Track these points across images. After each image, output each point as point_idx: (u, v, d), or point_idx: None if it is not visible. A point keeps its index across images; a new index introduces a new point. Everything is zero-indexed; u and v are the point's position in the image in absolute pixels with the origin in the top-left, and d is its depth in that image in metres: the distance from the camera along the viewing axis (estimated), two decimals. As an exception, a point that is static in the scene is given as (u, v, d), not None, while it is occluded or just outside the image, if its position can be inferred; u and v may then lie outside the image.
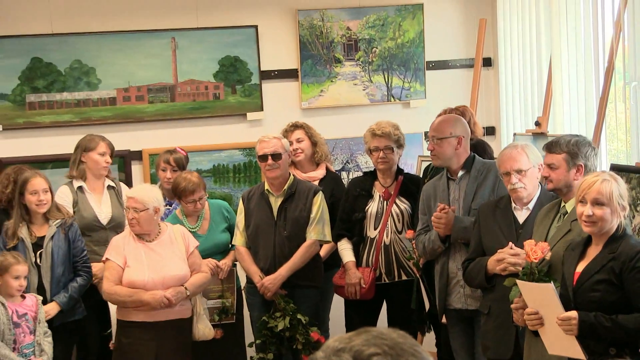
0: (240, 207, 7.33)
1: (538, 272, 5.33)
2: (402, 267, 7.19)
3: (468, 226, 6.33)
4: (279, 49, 8.83)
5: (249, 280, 7.27)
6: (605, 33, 7.29)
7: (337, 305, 7.63)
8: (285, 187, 7.19)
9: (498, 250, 5.82)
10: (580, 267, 5.07)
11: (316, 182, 7.54)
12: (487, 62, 8.96)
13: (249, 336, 7.41)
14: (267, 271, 7.13)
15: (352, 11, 8.92)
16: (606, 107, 7.01)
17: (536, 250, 5.27)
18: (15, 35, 8.30)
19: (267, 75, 8.81)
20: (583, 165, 5.59)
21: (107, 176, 7.66)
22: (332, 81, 8.93)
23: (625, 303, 4.90)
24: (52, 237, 6.97)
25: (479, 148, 6.89)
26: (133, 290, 6.69)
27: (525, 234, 5.76)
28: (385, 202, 7.26)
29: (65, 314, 6.99)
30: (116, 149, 7.90)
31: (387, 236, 7.22)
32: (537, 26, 8.14)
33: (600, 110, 7.01)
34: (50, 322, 6.87)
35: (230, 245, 7.42)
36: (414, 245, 6.91)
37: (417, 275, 7.07)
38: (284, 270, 7.09)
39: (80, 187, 7.51)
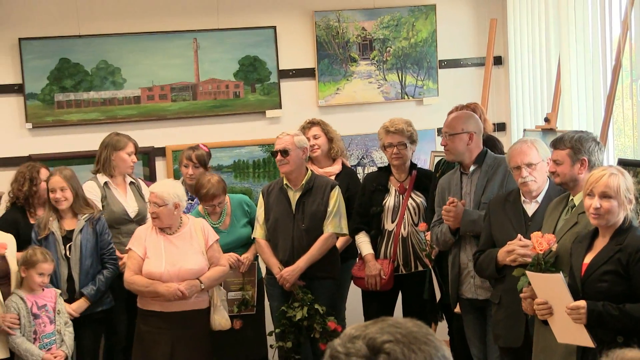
0: (260, 201, 7.34)
1: (545, 263, 5.33)
2: (418, 259, 7.21)
3: (476, 219, 6.32)
4: (296, 49, 8.84)
5: (269, 272, 7.29)
6: (613, 32, 7.29)
7: (354, 295, 7.63)
8: (303, 181, 7.19)
9: (508, 242, 5.81)
10: (587, 259, 5.06)
11: (332, 177, 7.54)
12: (498, 61, 8.94)
13: (269, 325, 7.41)
14: (286, 263, 7.14)
15: (367, 12, 8.91)
16: (613, 104, 6.99)
17: (542, 241, 5.28)
18: (44, 37, 8.32)
19: (285, 74, 8.81)
20: (587, 160, 5.58)
21: (131, 174, 7.69)
22: (347, 80, 8.92)
23: (632, 293, 4.90)
24: (81, 230, 7.00)
25: (489, 144, 6.88)
26: (150, 281, 6.71)
27: (534, 226, 5.76)
28: (401, 196, 7.27)
29: (93, 304, 7.01)
30: (140, 145, 7.94)
31: (404, 229, 7.24)
32: (546, 26, 8.13)
33: (607, 107, 7.00)
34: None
35: (252, 238, 7.42)
36: (426, 237, 6.92)
37: (430, 266, 7.08)
38: (302, 262, 7.09)
39: (106, 183, 7.54)
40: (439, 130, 7.83)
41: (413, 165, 7.39)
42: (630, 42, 7.02)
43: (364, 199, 7.35)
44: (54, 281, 6.87)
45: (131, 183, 7.66)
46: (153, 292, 6.69)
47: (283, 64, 8.79)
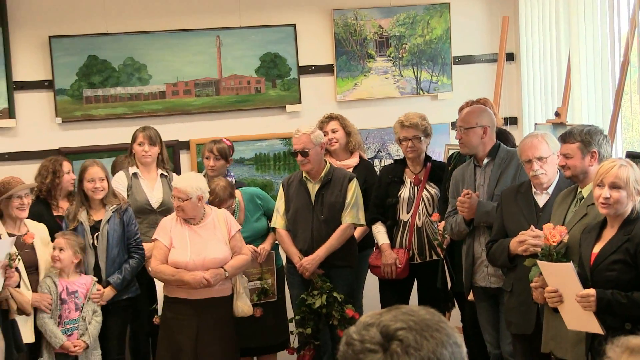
0: (281, 192, 7.35)
1: (556, 254, 5.32)
2: (432, 248, 7.21)
3: (490, 210, 6.32)
4: (315, 46, 8.83)
5: (289, 261, 7.29)
6: (621, 29, 7.26)
7: (371, 283, 7.63)
8: (322, 174, 7.20)
9: (520, 233, 5.80)
10: (596, 248, 5.05)
11: (350, 170, 7.54)
12: (510, 57, 8.90)
13: (290, 312, 7.42)
14: (305, 252, 7.14)
15: (384, 10, 8.90)
16: (622, 99, 6.97)
17: (554, 233, 5.26)
18: (73, 35, 8.34)
19: (304, 70, 8.80)
20: (597, 152, 5.57)
21: (164, 166, 7.67)
22: (365, 75, 8.91)
23: (639, 281, 4.88)
24: (108, 221, 7.02)
25: (501, 137, 6.86)
26: (176, 270, 6.73)
27: (545, 217, 5.75)
28: (416, 187, 7.27)
29: (120, 292, 7.04)
30: (165, 139, 7.94)
31: (419, 219, 7.24)
32: (557, 23, 8.10)
33: (616, 101, 6.98)
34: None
35: (270, 228, 7.43)
36: (438, 227, 6.91)
37: (442, 255, 7.07)
38: (321, 252, 7.10)
39: (135, 174, 7.57)
40: (453, 124, 7.83)
41: (428, 158, 7.39)
42: (638, 39, 6.98)
43: (380, 191, 7.36)
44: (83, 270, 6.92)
45: (162, 175, 7.66)
46: (179, 281, 6.71)
47: (303, 60, 8.79)
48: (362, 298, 7.68)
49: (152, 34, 8.49)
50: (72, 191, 7.42)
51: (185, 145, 8.56)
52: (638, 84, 7.17)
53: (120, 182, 7.48)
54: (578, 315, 5.05)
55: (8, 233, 6.64)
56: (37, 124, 8.37)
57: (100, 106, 8.46)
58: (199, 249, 6.78)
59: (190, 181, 6.81)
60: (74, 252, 6.75)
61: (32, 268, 6.75)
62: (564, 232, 5.29)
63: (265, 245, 7.37)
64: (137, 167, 7.58)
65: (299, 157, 7.14)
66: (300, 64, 8.77)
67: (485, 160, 6.57)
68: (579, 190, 5.64)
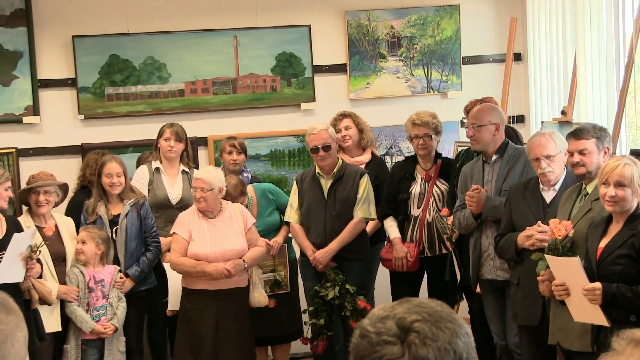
0: (294, 188, 7.36)
1: (562, 248, 5.32)
2: (442, 242, 7.20)
3: (498, 205, 6.33)
4: (329, 46, 8.82)
5: (303, 254, 7.29)
6: (626, 30, 7.24)
7: (382, 276, 7.63)
8: (335, 170, 7.19)
9: (527, 227, 5.81)
10: (602, 243, 5.05)
11: (363, 166, 7.54)
12: (518, 57, 8.88)
13: (303, 304, 7.43)
14: (318, 246, 7.14)
15: (396, 11, 8.88)
16: (626, 98, 6.96)
17: (560, 227, 5.26)
18: (96, 35, 8.35)
19: (319, 69, 8.80)
20: (609, 148, 5.59)
21: (187, 163, 7.68)
22: (377, 75, 8.90)
23: None
24: (126, 214, 7.04)
25: (509, 134, 6.86)
26: (197, 262, 6.74)
27: (551, 213, 5.75)
28: (426, 183, 7.27)
29: (138, 283, 7.06)
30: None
31: (429, 214, 7.23)
32: (563, 24, 8.08)
33: (620, 101, 6.97)
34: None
35: (282, 222, 7.44)
36: (447, 221, 6.91)
37: (451, 249, 7.07)
38: (333, 245, 7.10)
39: (157, 169, 7.58)
40: (462, 122, 7.81)
41: (438, 155, 7.38)
42: (642, 40, 6.99)
43: (392, 186, 7.36)
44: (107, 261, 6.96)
45: (184, 172, 7.67)
46: (200, 272, 6.72)
47: (317, 60, 8.78)
48: (374, 290, 7.67)
49: (171, 34, 8.49)
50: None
51: (203, 141, 8.57)
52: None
53: (142, 176, 7.49)
54: (584, 307, 5.04)
55: (36, 225, 6.66)
56: (61, 121, 8.39)
57: (121, 104, 8.47)
58: (218, 241, 6.79)
59: (213, 173, 6.86)
60: (96, 244, 6.78)
61: (60, 259, 6.78)
62: (569, 227, 5.29)
63: (278, 239, 7.38)
64: (161, 162, 7.59)
65: (321, 153, 7.13)
66: (314, 64, 8.76)
67: (494, 157, 6.58)
68: (583, 186, 5.64)
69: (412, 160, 7.42)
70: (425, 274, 7.41)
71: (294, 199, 7.31)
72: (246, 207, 7.27)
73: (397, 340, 1.88)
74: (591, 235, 5.15)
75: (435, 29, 8.96)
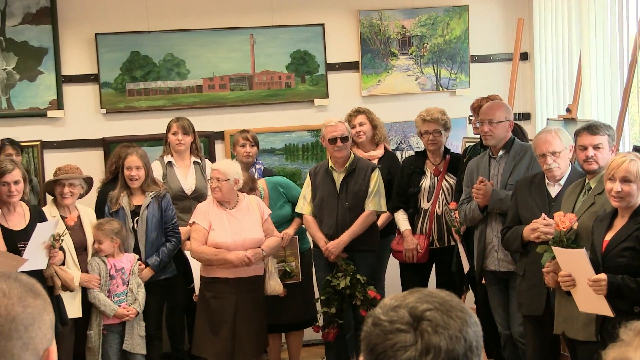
0: (308, 181, 7.35)
1: (566, 240, 5.31)
2: (451, 235, 7.19)
3: (504, 198, 6.33)
4: (342, 44, 8.81)
5: (315, 245, 7.29)
6: (630, 30, 7.22)
7: (392, 267, 7.63)
8: (347, 164, 7.19)
9: (532, 220, 5.80)
10: (608, 236, 5.04)
11: (376, 161, 7.53)
12: (524, 56, 8.86)
13: (316, 293, 7.42)
14: (330, 237, 7.14)
15: (407, 12, 8.86)
16: (629, 96, 6.94)
17: (564, 220, 5.26)
18: (117, 32, 8.36)
19: (332, 67, 8.78)
20: (615, 147, 5.59)
21: (198, 154, 7.71)
22: (388, 72, 8.88)
23: None
24: (148, 206, 7.06)
25: (515, 131, 6.85)
26: (218, 250, 6.75)
27: (556, 207, 5.74)
28: (436, 178, 7.26)
29: (158, 272, 7.08)
30: (201, 130, 8.07)
31: (438, 207, 7.23)
32: (569, 24, 8.06)
33: (624, 99, 6.95)
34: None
35: (293, 215, 7.44)
36: (455, 215, 6.90)
37: (458, 241, 7.06)
38: (345, 237, 7.09)
39: (169, 162, 7.59)
40: (469, 119, 7.79)
41: (447, 150, 7.37)
42: (645, 40, 6.96)
43: (403, 180, 7.35)
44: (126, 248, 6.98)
45: (196, 162, 7.69)
46: (222, 260, 6.73)
47: (330, 57, 8.77)
48: (384, 280, 7.67)
49: (190, 32, 8.49)
50: None
51: (220, 135, 8.57)
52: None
53: (155, 171, 7.49)
54: (590, 298, 5.03)
55: (61, 215, 6.68)
56: (84, 115, 8.40)
57: (141, 98, 8.48)
58: (238, 230, 6.81)
59: (229, 165, 6.91)
60: (111, 239, 6.81)
61: (82, 249, 6.81)
62: (573, 220, 5.29)
63: (289, 231, 7.38)
64: (172, 155, 7.61)
65: (339, 143, 7.12)
66: (327, 61, 8.75)
67: (500, 153, 6.58)
68: (587, 181, 5.64)
69: (422, 155, 7.41)
70: (434, 265, 7.40)
71: (307, 191, 7.31)
72: (259, 197, 7.30)
73: (410, 328, 1.87)
74: (597, 228, 5.14)
75: (445, 28, 8.94)
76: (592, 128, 5.61)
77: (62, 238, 6.22)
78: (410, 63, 8.92)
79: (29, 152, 8.15)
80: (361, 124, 7.71)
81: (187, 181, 7.60)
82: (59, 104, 8.31)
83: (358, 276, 7.02)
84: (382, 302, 1.97)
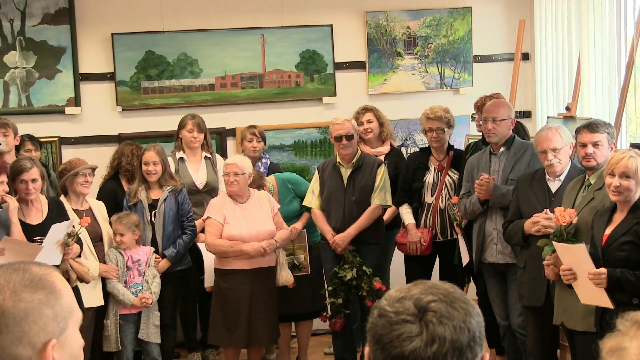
0: (316, 176, 7.34)
1: (566, 234, 5.30)
2: (453, 228, 7.18)
3: (505, 193, 6.34)
4: (350, 44, 8.80)
5: (323, 237, 7.28)
6: (627, 32, 7.21)
7: (397, 259, 7.62)
8: (354, 160, 7.18)
9: (533, 215, 5.79)
10: (608, 231, 5.03)
11: (382, 157, 7.53)
12: (525, 56, 8.84)
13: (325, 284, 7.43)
14: (338, 230, 7.13)
15: (412, 13, 8.85)
16: (627, 95, 6.93)
17: (565, 215, 5.25)
18: (133, 32, 8.37)
19: (339, 66, 8.78)
20: (614, 144, 5.58)
21: (208, 149, 7.72)
22: (394, 71, 8.87)
23: None
24: (165, 200, 7.07)
25: (516, 128, 6.84)
26: (234, 242, 6.76)
27: (557, 202, 5.74)
28: (439, 173, 7.26)
29: (174, 264, 7.09)
30: (213, 127, 8.12)
31: (442, 202, 7.23)
32: (569, 26, 8.05)
33: (621, 98, 6.94)
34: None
35: (302, 210, 7.44)
36: (456, 209, 6.89)
37: (460, 235, 7.05)
38: (352, 230, 7.08)
39: (181, 158, 7.59)
40: (472, 117, 7.78)
41: (450, 147, 7.37)
42: (642, 41, 6.96)
43: (408, 176, 7.35)
44: (143, 243, 7.00)
45: (206, 157, 7.70)
46: (238, 251, 6.74)
47: (338, 57, 8.76)
48: (389, 272, 7.66)
49: (203, 32, 8.49)
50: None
51: (232, 132, 8.57)
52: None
53: None
54: (590, 291, 5.02)
55: (73, 209, 6.69)
56: (100, 112, 8.42)
57: (156, 96, 8.49)
58: (251, 223, 6.82)
59: (242, 159, 6.94)
60: (132, 232, 6.84)
61: (97, 239, 6.82)
62: (573, 214, 5.28)
63: (297, 225, 7.38)
64: (184, 152, 7.61)
65: (344, 141, 7.11)
66: (335, 61, 8.75)
67: (501, 149, 6.57)
68: (587, 177, 5.63)
69: (426, 152, 7.41)
70: (437, 257, 7.40)
71: (315, 186, 7.31)
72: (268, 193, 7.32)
73: (415, 319, 1.86)
74: (597, 223, 5.13)
75: (449, 29, 8.93)
76: (592, 126, 5.59)
77: (76, 235, 6.23)
78: (415, 62, 8.91)
79: (47, 148, 8.17)
80: (368, 122, 7.70)
81: (199, 176, 7.61)
82: (76, 101, 8.32)
83: (364, 268, 7.01)
84: (388, 294, 1.97)
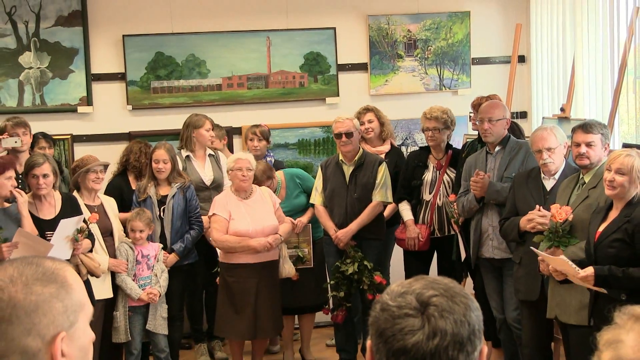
0: (319, 173, 7.34)
1: (562, 231, 5.30)
2: (450, 224, 7.18)
3: (500, 190, 6.34)
4: (352, 47, 8.79)
5: (326, 233, 7.28)
6: (620, 36, 7.20)
7: (397, 255, 7.61)
8: (356, 158, 7.17)
9: (529, 212, 5.79)
10: (601, 228, 5.02)
11: (383, 155, 7.52)
12: (522, 59, 8.83)
13: (327, 278, 7.42)
14: (340, 226, 7.12)
15: (412, 17, 8.84)
16: (619, 97, 6.92)
17: (561, 212, 5.25)
18: (143, 34, 8.36)
19: (342, 67, 8.77)
20: (609, 145, 5.58)
21: (211, 147, 7.74)
22: (395, 73, 8.86)
23: (636, 258, 4.85)
24: (173, 196, 7.07)
25: (512, 129, 6.83)
26: (240, 238, 6.77)
27: (551, 199, 5.75)
28: (438, 172, 7.25)
29: (182, 258, 7.09)
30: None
31: (439, 199, 7.22)
32: (564, 30, 8.04)
33: (614, 99, 6.94)
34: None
35: (307, 205, 7.43)
36: (454, 206, 6.89)
37: (457, 231, 7.04)
38: (354, 225, 7.08)
39: (187, 156, 7.59)
40: (470, 116, 7.77)
41: (449, 146, 7.35)
42: (634, 45, 6.97)
43: (407, 174, 7.34)
44: (151, 238, 6.99)
45: (210, 155, 7.70)
46: (245, 247, 6.75)
47: (341, 59, 8.75)
48: (389, 267, 7.66)
49: (211, 34, 8.49)
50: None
51: (238, 130, 8.56)
52: (634, 84, 7.15)
53: None
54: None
55: (85, 204, 6.69)
56: (111, 111, 8.41)
57: (165, 96, 8.48)
58: (256, 219, 6.83)
59: (250, 155, 6.98)
60: (149, 227, 6.85)
61: (107, 234, 6.82)
62: (569, 212, 5.29)
63: (303, 219, 7.39)
64: (192, 150, 7.59)
65: (344, 139, 7.10)
66: (338, 62, 8.74)
67: (497, 148, 6.57)
68: (581, 176, 5.62)
69: (425, 150, 7.40)
70: (435, 252, 7.39)
71: (318, 183, 7.31)
72: (275, 189, 7.31)
73: (417, 313, 1.86)
74: (593, 219, 5.13)
75: (448, 32, 8.91)
76: (586, 127, 5.59)
77: (87, 231, 6.23)
78: (416, 64, 8.90)
79: (60, 145, 8.18)
80: (370, 121, 7.69)
81: (206, 172, 7.61)
82: (88, 100, 8.32)
83: (365, 262, 7.01)
84: (389, 289, 1.96)
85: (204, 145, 7.62)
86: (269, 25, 8.58)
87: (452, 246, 7.19)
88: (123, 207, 7.08)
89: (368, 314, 1.96)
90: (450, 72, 8.95)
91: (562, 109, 7.56)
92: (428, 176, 7.27)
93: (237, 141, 8.60)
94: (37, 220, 6.10)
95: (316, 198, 7.29)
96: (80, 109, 8.32)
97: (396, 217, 7.46)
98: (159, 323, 6.89)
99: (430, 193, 7.25)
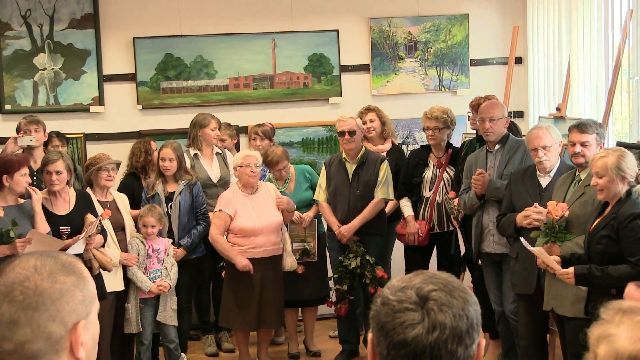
0: (323, 171, 7.34)
1: (558, 227, 5.29)
2: (450, 221, 7.17)
3: (500, 187, 6.33)
4: (355, 48, 8.79)
5: (329, 228, 7.28)
6: (615, 38, 7.19)
7: (398, 250, 7.61)
8: (359, 156, 7.17)
9: (525, 208, 5.79)
10: (594, 224, 5.01)
11: (384, 154, 7.51)
12: (519, 60, 8.82)
13: (330, 272, 7.41)
14: (343, 221, 7.12)
15: (413, 19, 8.83)
16: (613, 97, 6.92)
17: (557, 208, 5.25)
18: (153, 36, 8.37)
19: (345, 68, 8.77)
20: (603, 144, 5.57)
21: (217, 145, 7.74)
22: (396, 74, 8.85)
23: (622, 254, 4.85)
24: (180, 193, 7.07)
25: (510, 127, 6.82)
26: (229, 247, 6.79)
27: (547, 197, 5.74)
28: (438, 169, 7.24)
29: (189, 252, 7.09)
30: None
31: (439, 196, 7.21)
32: (559, 32, 8.04)
33: (608, 100, 6.94)
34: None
35: (313, 200, 7.43)
36: (454, 203, 6.88)
37: (457, 227, 7.04)
38: (356, 221, 7.08)
39: (195, 155, 7.59)
40: (468, 116, 7.76)
41: (449, 145, 7.34)
42: (628, 47, 6.99)
43: (408, 171, 7.34)
44: (160, 233, 7.00)
45: (217, 153, 7.70)
46: (230, 258, 6.78)
47: (344, 60, 8.75)
48: (390, 261, 7.65)
49: (218, 36, 8.49)
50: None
51: (244, 130, 8.56)
52: (627, 85, 7.14)
53: None
54: None
55: (98, 200, 6.69)
56: (122, 110, 8.42)
57: (174, 96, 8.49)
58: (262, 214, 6.83)
59: (256, 152, 6.98)
60: (160, 223, 6.86)
61: (119, 228, 6.82)
62: (565, 208, 5.28)
63: (309, 213, 7.38)
64: (199, 149, 7.59)
65: (346, 136, 7.11)
66: (341, 63, 8.74)
67: (497, 147, 6.56)
68: (577, 173, 5.62)
69: (426, 149, 7.40)
70: (435, 247, 7.39)
71: (322, 180, 7.31)
72: (285, 180, 7.35)
73: (417, 307, 1.85)
74: (591, 216, 5.13)
75: (447, 34, 8.90)
76: (581, 126, 5.59)
77: (98, 228, 6.22)
78: (416, 65, 8.89)
79: (73, 144, 8.20)
80: (371, 121, 7.68)
81: (213, 170, 7.61)
82: (100, 100, 8.33)
83: (367, 257, 7.01)
84: (390, 283, 1.95)
85: (210, 143, 7.62)
86: (274, 28, 8.58)
87: (451, 241, 7.18)
88: (134, 205, 7.08)
89: (370, 307, 1.96)
90: (450, 73, 8.94)
91: (558, 109, 7.56)
92: (428, 174, 7.26)
93: (243, 140, 8.59)
94: (51, 216, 6.11)
95: (320, 195, 7.29)
96: (92, 109, 8.33)
97: (397, 213, 7.45)
98: (169, 314, 6.90)
99: (430, 190, 7.25)
